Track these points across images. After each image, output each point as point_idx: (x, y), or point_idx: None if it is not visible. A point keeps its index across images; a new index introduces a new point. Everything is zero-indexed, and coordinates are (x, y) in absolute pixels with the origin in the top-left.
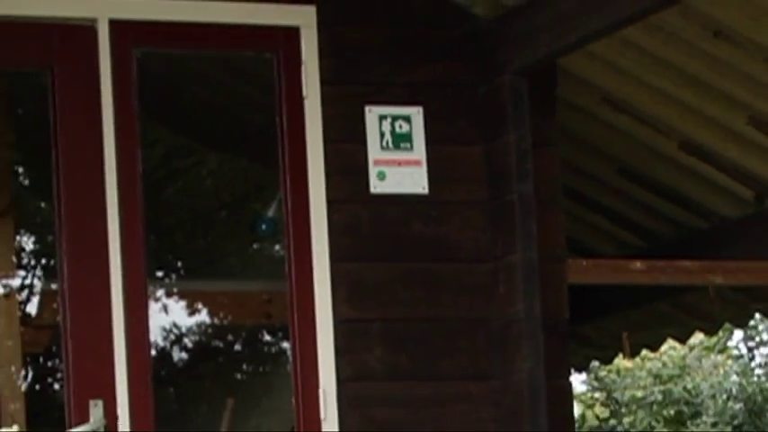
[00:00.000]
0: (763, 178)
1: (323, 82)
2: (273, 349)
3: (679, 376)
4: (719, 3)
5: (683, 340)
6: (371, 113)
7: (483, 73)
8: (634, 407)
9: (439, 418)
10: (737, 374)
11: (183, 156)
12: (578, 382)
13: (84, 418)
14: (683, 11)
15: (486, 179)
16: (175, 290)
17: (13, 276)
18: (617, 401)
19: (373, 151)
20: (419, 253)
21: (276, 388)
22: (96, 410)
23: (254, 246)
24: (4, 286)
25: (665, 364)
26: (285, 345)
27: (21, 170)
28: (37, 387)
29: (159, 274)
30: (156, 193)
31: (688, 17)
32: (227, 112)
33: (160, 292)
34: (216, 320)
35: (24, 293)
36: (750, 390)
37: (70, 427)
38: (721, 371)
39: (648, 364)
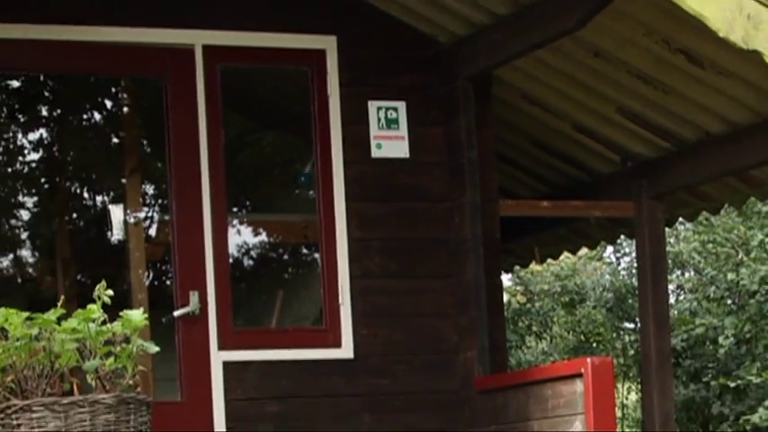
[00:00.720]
0: (626, 148)
1: (341, 85)
2: (308, 258)
3: (571, 276)
4: (598, 33)
5: (574, 252)
6: (372, 106)
7: (444, 80)
8: (542, 296)
9: (415, 304)
10: (609, 275)
11: (250, 133)
12: (506, 279)
13: (185, 303)
14: (573, 39)
15: (446, 148)
16: (245, 220)
17: (140, 211)
18: (531, 292)
19: (373, 130)
20: (403, 196)
21: (310, 284)
22: (194, 298)
23: (296, 191)
24: (135, 218)
25: (562, 268)
26: (316, 255)
27: (145, 142)
28: (155, 283)
29: (235, 209)
30: (233, 157)
31: (577, 43)
32: (278, 105)
33: (235, 221)
34: (271, 240)
35: (147, 222)
36: (617, 284)
37: (176, 310)
38: (599, 272)
39: (551, 268)
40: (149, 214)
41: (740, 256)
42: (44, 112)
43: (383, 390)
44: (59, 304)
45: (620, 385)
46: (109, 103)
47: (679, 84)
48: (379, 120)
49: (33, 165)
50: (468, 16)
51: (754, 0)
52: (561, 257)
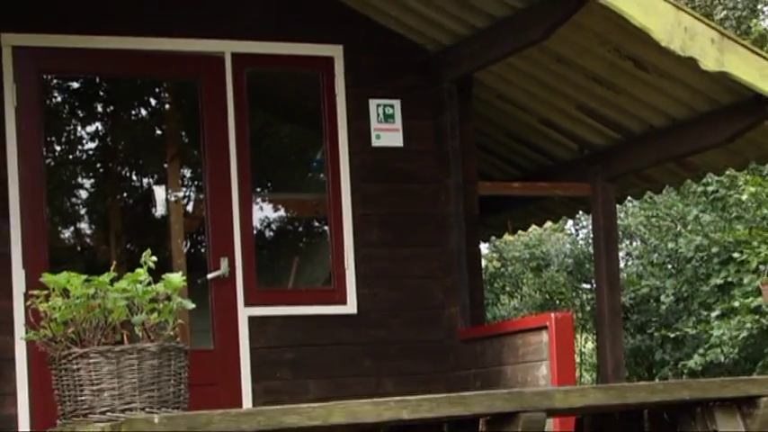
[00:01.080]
0: (583, 138)
1: (346, 86)
2: (319, 230)
3: (538, 244)
4: (560, 43)
5: (540, 225)
6: (372, 103)
7: (432, 81)
8: (514, 261)
9: (409, 267)
10: (570, 244)
11: (270, 126)
12: (484, 248)
13: (217, 267)
14: (539, 47)
15: (434, 138)
16: (267, 198)
17: (179, 191)
18: (505, 258)
19: (373, 123)
20: (398, 178)
21: (321, 251)
22: (224, 263)
23: (309, 174)
24: (175, 196)
25: (530, 238)
26: (326, 228)
27: (183, 133)
28: (192, 251)
29: (258, 189)
30: (256, 146)
31: (543, 51)
32: (294, 102)
33: (258, 199)
34: (288, 214)
35: (185, 200)
36: (576, 252)
37: (209, 273)
38: (561, 242)
39: (521, 238)
40: (187, 193)
41: (678, 229)
42: (99, 109)
43: (381, 340)
44: (112, 269)
45: (578, 336)
46: (153, 101)
47: (628, 85)
48: (378, 115)
49: (90, 152)
50: (452, 29)
51: (689, 15)
52: (530, 229)
